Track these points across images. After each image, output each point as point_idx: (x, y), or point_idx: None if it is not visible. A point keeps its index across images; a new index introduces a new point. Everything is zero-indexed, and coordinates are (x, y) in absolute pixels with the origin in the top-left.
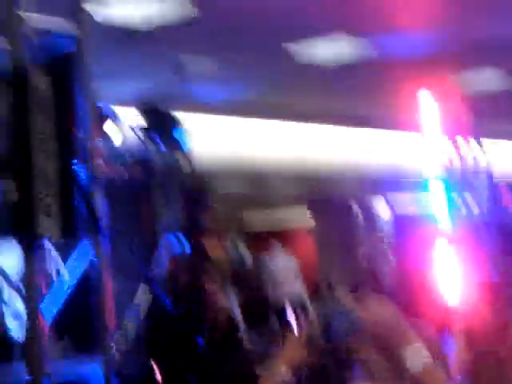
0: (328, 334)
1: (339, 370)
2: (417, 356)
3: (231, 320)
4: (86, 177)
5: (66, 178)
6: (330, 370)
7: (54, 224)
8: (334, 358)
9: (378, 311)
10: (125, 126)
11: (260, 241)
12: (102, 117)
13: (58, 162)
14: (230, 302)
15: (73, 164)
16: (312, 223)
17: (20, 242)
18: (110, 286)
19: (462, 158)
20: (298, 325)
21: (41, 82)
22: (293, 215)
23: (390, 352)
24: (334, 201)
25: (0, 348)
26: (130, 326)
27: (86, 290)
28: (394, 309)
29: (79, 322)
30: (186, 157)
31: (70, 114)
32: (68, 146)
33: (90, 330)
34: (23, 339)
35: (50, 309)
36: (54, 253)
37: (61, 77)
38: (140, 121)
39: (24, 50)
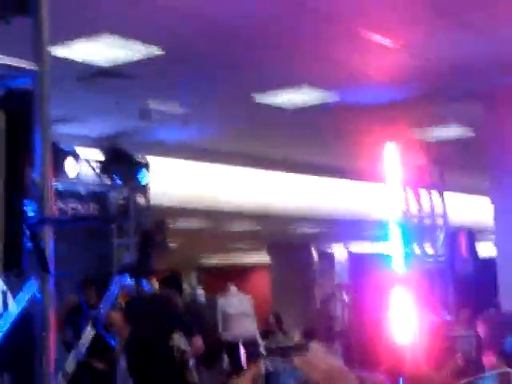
0: None
1: None
2: None
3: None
4: (35, 215)
5: (14, 215)
6: None
7: None
8: None
9: (325, 368)
10: (83, 163)
11: (216, 278)
12: (59, 154)
13: (6, 200)
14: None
15: (22, 202)
16: (269, 262)
17: None
18: (53, 321)
19: (421, 205)
20: (249, 364)
21: None
22: (250, 254)
23: None
24: (292, 242)
25: None
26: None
27: (27, 326)
28: (342, 366)
29: (20, 358)
30: (144, 194)
31: (24, 151)
32: (18, 184)
33: (31, 367)
34: None
35: None
36: None
37: (17, 113)
38: (99, 158)
39: None
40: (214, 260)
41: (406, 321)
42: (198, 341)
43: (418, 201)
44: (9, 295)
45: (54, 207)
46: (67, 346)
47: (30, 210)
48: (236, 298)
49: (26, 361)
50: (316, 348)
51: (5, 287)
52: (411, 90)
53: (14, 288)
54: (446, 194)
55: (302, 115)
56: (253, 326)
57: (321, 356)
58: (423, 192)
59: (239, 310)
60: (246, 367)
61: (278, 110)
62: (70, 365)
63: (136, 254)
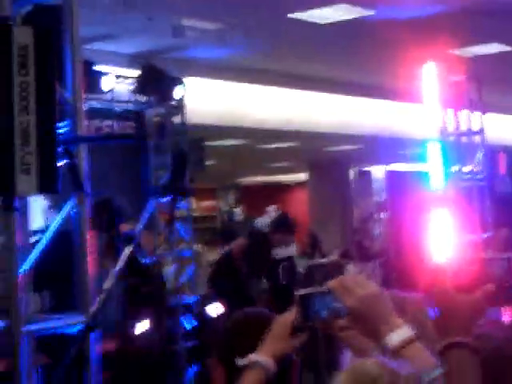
0: (307, 315)
1: (324, 349)
2: (397, 334)
3: None
4: (69, 134)
5: (48, 135)
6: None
7: (34, 181)
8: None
9: (361, 293)
10: (118, 81)
11: (254, 197)
12: (94, 72)
13: (40, 121)
14: None
15: (55, 121)
16: (308, 180)
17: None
18: (89, 241)
19: (459, 123)
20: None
21: (24, 35)
22: (289, 172)
23: (372, 333)
24: (331, 161)
25: None
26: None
27: (65, 245)
28: (378, 290)
29: (59, 276)
30: (180, 112)
31: (54, 69)
32: (51, 103)
33: (70, 285)
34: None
35: (28, 263)
36: (35, 209)
37: (46, 30)
38: (134, 76)
39: None
40: (252, 179)
41: (443, 239)
42: None
43: (457, 119)
44: (49, 214)
45: (87, 126)
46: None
47: (63, 129)
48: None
49: (65, 279)
50: (353, 271)
51: (45, 206)
52: (450, 5)
53: (53, 207)
54: (484, 112)
55: (340, 32)
56: (292, 245)
57: (357, 280)
58: (462, 110)
59: (279, 230)
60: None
61: (316, 27)
62: (108, 283)
63: (172, 173)
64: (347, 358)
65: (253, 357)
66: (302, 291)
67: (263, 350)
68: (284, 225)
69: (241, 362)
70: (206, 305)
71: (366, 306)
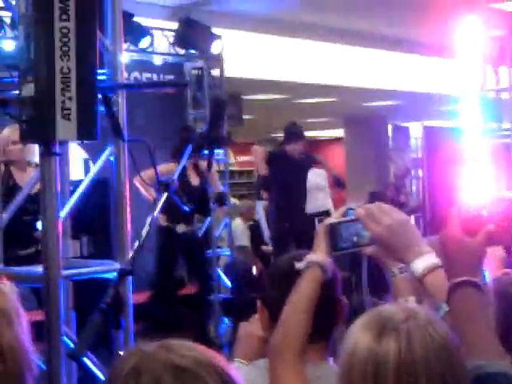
0: (335, 243)
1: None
2: (422, 261)
3: None
4: (108, 81)
5: (88, 82)
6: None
7: (73, 128)
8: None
9: (387, 221)
10: (157, 33)
11: None
12: (133, 24)
13: (80, 67)
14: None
15: (95, 68)
16: (344, 136)
17: (39, 144)
18: (127, 188)
19: (499, 79)
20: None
21: None
22: (325, 127)
23: (399, 261)
24: (367, 116)
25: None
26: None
27: (104, 192)
28: (405, 217)
29: (98, 224)
30: (218, 66)
31: (95, 17)
32: (91, 50)
33: (108, 231)
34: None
35: (67, 209)
36: (78, 153)
37: None
38: (173, 28)
39: None
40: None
41: (478, 194)
42: None
43: (497, 75)
44: (90, 163)
45: (127, 78)
46: None
47: (103, 77)
48: (310, 172)
49: (104, 227)
50: (380, 203)
51: (86, 155)
52: None
53: (93, 155)
54: None
55: None
56: (327, 200)
57: (384, 208)
58: (502, 66)
59: (313, 184)
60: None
61: None
62: (144, 231)
63: (209, 122)
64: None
65: (310, 257)
66: (331, 220)
67: (318, 251)
68: (293, 133)
69: (298, 264)
70: None
71: (393, 233)
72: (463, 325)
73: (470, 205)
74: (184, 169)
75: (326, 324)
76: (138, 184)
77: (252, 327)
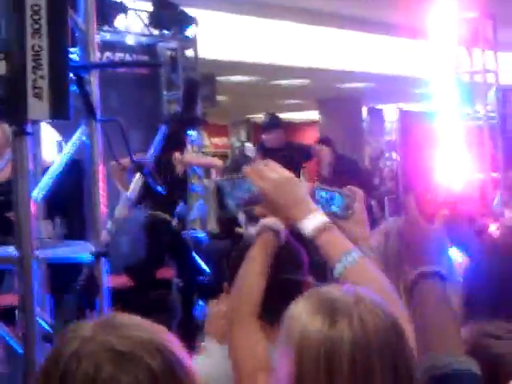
0: (226, 203)
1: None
2: (309, 221)
3: None
4: (80, 61)
5: (60, 61)
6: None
7: (45, 107)
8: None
9: (273, 177)
10: (131, 13)
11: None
12: (107, 4)
13: (52, 45)
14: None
15: (67, 47)
16: (319, 119)
17: (10, 124)
18: (101, 169)
19: (472, 62)
20: None
21: None
22: (300, 110)
23: (286, 220)
24: (342, 98)
25: None
26: (122, 210)
27: (78, 174)
28: (291, 175)
29: (71, 205)
30: (192, 47)
31: None
32: (63, 28)
33: (81, 212)
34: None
35: (40, 190)
36: (46, 135)
37: None
38: (147, 9)
39: None
40: (263, 115)
41: (453, 177)
42: None
43: (470, 58)
44: (63, 144)
45: (99, 58)
46: None
47: (75, 56)
48: None
49: (77, 206)
50: (270, 162)
51: (59, 137)
52: None
53: (69, 136)
54: (498, 51)
55: None
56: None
57: (271, 165)
58: (475, 48)
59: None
60: None
61: None
62: (121, 211)
63: (183, 102)
64: None
65: (263, 221)
66: (221, 178)
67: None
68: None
69: (251, 230)
70: None
71: (279, 189)
72: (427, 318)
73: (425, 189)
74: (170, 159)
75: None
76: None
77: (220, 305)
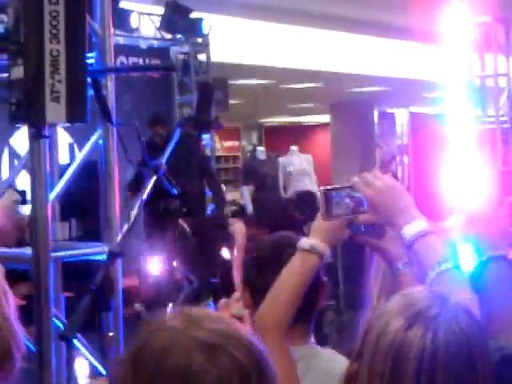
0: (329, 210)
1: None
2: (412, 226)
3: None
4: (97, 65)
5: (77, 65)
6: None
7: (63, 110)
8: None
9: (379, 185)
10: (144, 18)
11: (277, 137)
12: (121, 9)
13: (69, 50)
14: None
15: (84, 51)
16: (330, 121)
17: (28, 127)
18: (116, 171)
19: (484, 66)
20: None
21: None
22: (312, 113)
23: (392, 226)
24: (353, 102)
25: None
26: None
27: (93, 175)
28: (397, 183)
29: (87, 207)
30: (205, 50)
31: (84, 0)
32: (80, 33)
33: (97, 214)
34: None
35: (56, 191)
36: (63, 138)
37: None
38: (160, 13)
39: None
40: (276, 119)
41: (464, 181)
42: None
43: (482, 61)
44: (75, 147)
45: (114, 58)
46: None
47: (92, 60)
48: (297, 157)
49: (93, 210)
50: (375, 171)
51: (71, 139)
52: None
53: (81, 139)
54: (510, 55)
55: None
56: (313, 185)
57: (377, 174)
58: (487, 52)
59: (299, 169)
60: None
61: None
62: (134, 210)
63: (197, 105)
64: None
65: (313, 242)
66: (326, 187)
67: (316, 237)
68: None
69: (303, 244)
70: None
71: (385, 196)
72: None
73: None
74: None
75: (308, 305)
76: None
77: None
